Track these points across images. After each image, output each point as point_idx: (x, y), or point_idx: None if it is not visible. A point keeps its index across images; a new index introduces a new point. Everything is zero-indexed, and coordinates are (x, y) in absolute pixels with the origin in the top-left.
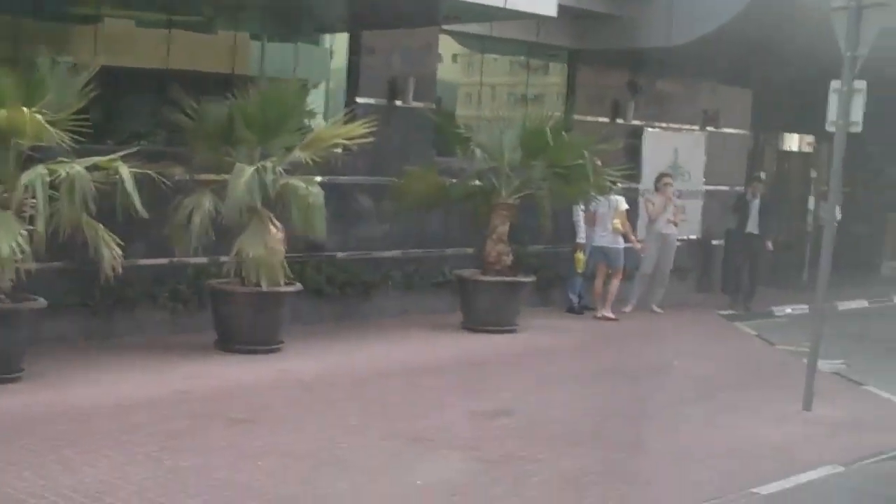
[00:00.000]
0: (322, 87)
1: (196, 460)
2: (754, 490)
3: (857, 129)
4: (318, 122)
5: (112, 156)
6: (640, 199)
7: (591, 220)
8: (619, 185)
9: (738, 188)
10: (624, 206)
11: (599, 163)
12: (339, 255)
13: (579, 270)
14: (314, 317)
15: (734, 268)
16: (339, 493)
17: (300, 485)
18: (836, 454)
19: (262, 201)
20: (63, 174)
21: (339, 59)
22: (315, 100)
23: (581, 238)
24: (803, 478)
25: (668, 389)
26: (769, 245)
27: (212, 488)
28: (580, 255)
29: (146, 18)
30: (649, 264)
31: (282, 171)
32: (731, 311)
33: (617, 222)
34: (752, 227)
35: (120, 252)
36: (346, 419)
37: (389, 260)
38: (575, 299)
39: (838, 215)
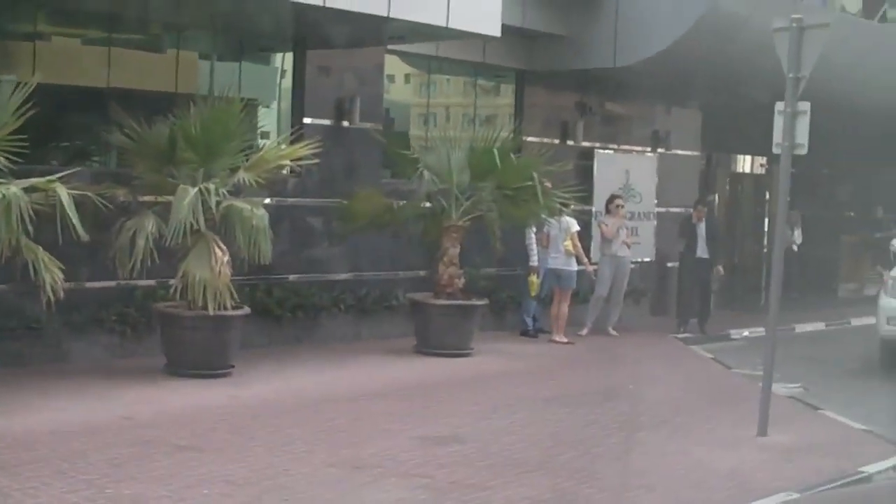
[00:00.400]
0: (273, 106)
1: (138, 488)
2: None
3: (803, 151)
4: (266, 144)
5: (51, 177)
6: (594, 221)
7: (545, 243)
8: (572, 206)
9: (690, 209)
10: (575, 227)
11: (549, 185)
12: (291, 277)
13: (533, 294)
14: (265, 340)
15: (684, 291)
16: None
17: None
18: (791, 480)
19: (207, 223)
20: None
21: (291, 79)
22: (266, 120)
23: (534, 261)
24: None
25: (622, 414)
26: (719, 270)
27: None
28: (534, 279)
29: (89, 36)
30: (604, 287)
31: (225, 192)
32: (685, 335)
33: (568, 244)
34: (702, 251)
35: (62, 275)
36: (293, 445)
37: (341, 283)
38: (530, 322)
39: (799, 238)
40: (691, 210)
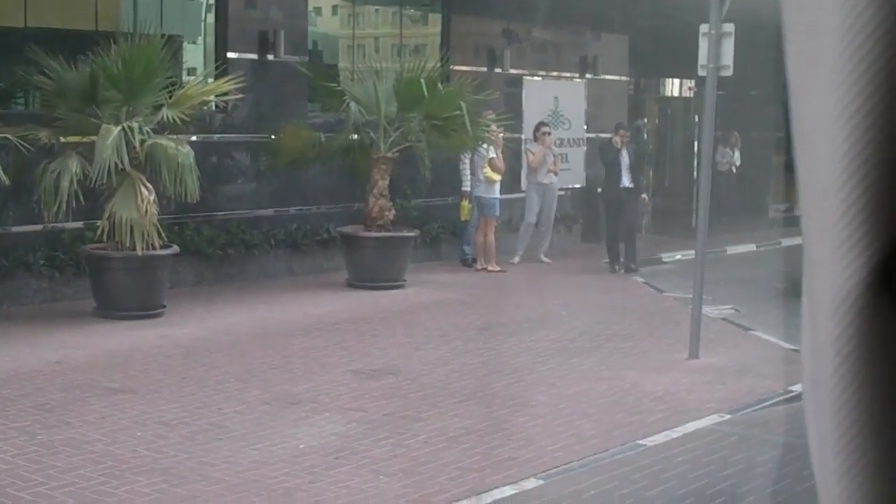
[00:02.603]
0: (199, 42)
1: (71, 433)
2: (641, 441)
3: (728, 72)
4: (189, 81)
5: None
6: (523, 149)
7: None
8: (502, 135)
9: (607, 135)
10: (491, 153)
11: (493, 115)
12: (219, 214)
13: (463, 219)
14: (196, 279)
15: (610, 228)
16: (220, 459)
17: (179, 453)
18: (722, 402)
19: (132, 163)
20: None
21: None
22: (192, 57)
23: (466, 186)
24: (690, 427)
25: (555, 341)
26: (645, 199)
27: (88, 462)
28: (465, 203)
29: None
30: (532, 214)
31: (149, 130)
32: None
33: (486, 170)
34: (626, 180)
35: None
36: (226, 384)
37: (271, 218)
38: (469, 251)
39: (738, 160)
40: (612, 136)
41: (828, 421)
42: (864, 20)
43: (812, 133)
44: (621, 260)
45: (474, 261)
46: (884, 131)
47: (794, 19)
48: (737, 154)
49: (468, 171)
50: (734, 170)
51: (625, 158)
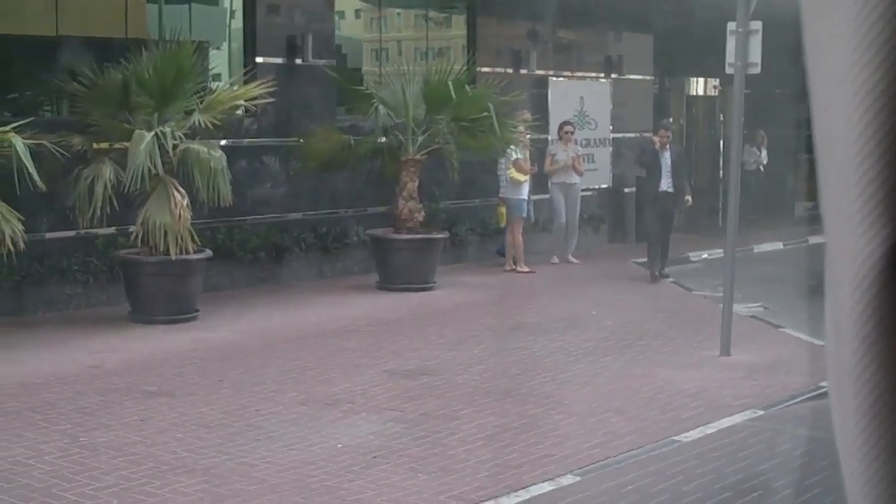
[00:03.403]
0: (224, 48)
1: (112, 436)
2: (675, 438)
3: (756, 70)
4: (220, 86)
5: (4, 128)
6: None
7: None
8: (529, 136)
9: (646, 134)
10: (516, 154)
11: (528, 116)
12: (249, 219)
13: (501, 225)
14: (228, 283)
15: (650, 234)
16: (259, 459)
17: (219, 454)
18: (756, 398)
19: (164, 167)
20: None
21: (241, 20)
22: (217, 62)
23: (502, 192)
24: (724, 423)
25: (587, 340)
26: (688, 201)
27: (130, 463)
28: (502, 209)
29: None
30: (561, 213)
31: (181, 135)
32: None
33: (511, 171)
34: (666, 184)
35: (21, 227)
36: (263, 385)
37: (301, 222)
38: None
39: (765, 158)
40: (648, 134)
41: (849, 401)
42: (879, 1)
43: (829, 113)
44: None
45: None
46: None
47: (810, 1)
48: (764, 153)
49: (506, 175)
50: (762, 168)
51: (666, 160)
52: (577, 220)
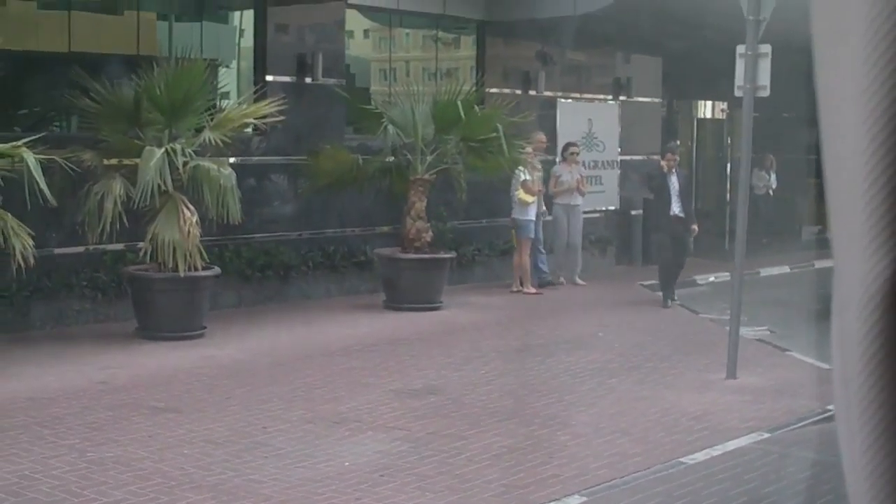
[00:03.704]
0: (233, 66)
1: (119, 451)
2: (682, 459)
3: (765, 93)
4: (230, 104)
5: (16, 143)
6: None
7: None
8: (538, 157)
9: (654, 157)
10: (524, 176)
11: (543, 140)
12: (258, 236)
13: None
14: (235, 301)
15: (663, 260)
16: (267, 476)
17: (226, 471)
18: (762, 421)
19: (174, 184)
20: None
21: (250, 38)
22: (226, 80)
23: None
24: (730, 445)
25: (592, 362)
26: (695, 229)
27: (137, 479)
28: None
29: (47, 0)
30: (563, 234)
31: (192, 153)
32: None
33: (519, 192)
34: (676, 208)
35: (32, 242)
36: (270, 403)
37: (309, 240)
38: (545, 270)
39: (774, 183)
40: (656, 157)
41: (855, 420)
42: (890, 25)
43: (839, 137)
44: (672, 292)
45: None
46: None
47: (821, 25)
48: (773, 177)
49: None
50: (771, 193)
51: (674, 184)
52: (580, 241)
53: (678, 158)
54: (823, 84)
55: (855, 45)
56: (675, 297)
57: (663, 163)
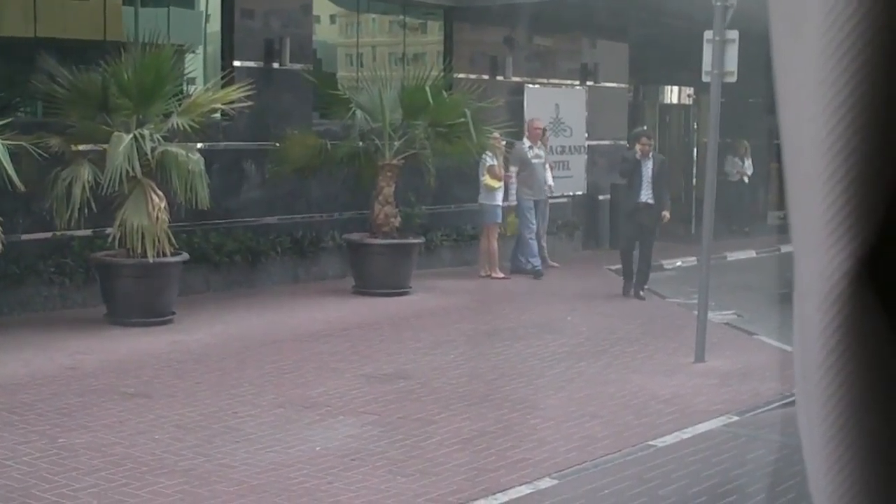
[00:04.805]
0: (200, 51)
1: (90, 437)
2: (651, 442)
3: (732, 78)
4: (197, 89)
5: None
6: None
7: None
8: (504, 142)
9: (620, 142)
10: (490, 161)
11: (540, 124)
12: (225, 222)
13: (509, 233)
14: (204, 286)
15: (624, 249)
16: (238, 461)
17: (197, 456)
18: (730, 403)
19: (143, 170)
20: None
21: (216, 23)
22: (193, 65)
23: (510, 199)
24: (700, 428)
25: (562, 346)
26: (666, 216)
27: (108, 464)
28: (512, 218)
29: None
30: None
31: (160, 138)
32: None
33: (485, 178)
34: (646, 195)
35: (0, 228)
36: (240, 388)
37: (277, 226)
38: (535, 262)
39: (749, 169)
40: (629, 143)
41: (816, 412)
42: (845, 18)
43: (796, 128)
44: (633, 282)
45: (534, 271)
46: (866, 126)
47: (779, 18)
48: (748, 163)
49: (515, 182)
50: (746, 180)
51: (647, 170)
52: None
53: (652, 143)
54: (781, 75)
55: (811, 37)
56: (643, 295)
57: (638, 147)
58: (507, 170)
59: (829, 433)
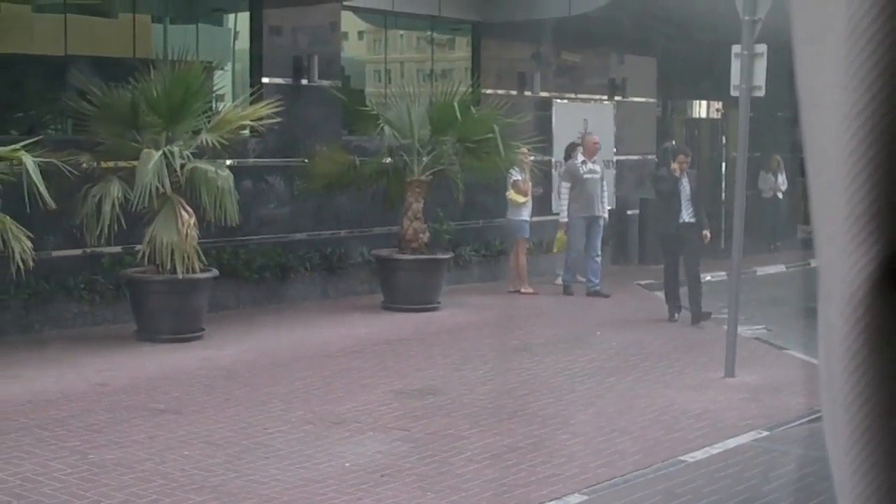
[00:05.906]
0: (228, 68)
1: (120, 453)
2: (682, 458)
3: (760, 93)
4: (226, 106)
5: (15, 146)
6: (554, 172)
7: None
8: (532, 157)
9: (649, 157)
10: (515, 176)
11: (596, 139)
12: (255, 238)
13: (555, 250)
14: (234, 302)
15: (669, 271)
16: (268, 477)
17: (227, 472)
18: (761, 418)
19: (172, 186)
20: None
21: (245, 40)
22: (222, 82)
23: (563, 217)
24: (730, 443)
25: (591, 361)
26: (707, 235)
27: (138, 480)
28: (560, 235)
29: (42, 3)
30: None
31: (189, 155)
32: (647, 281)
33: (510, 193)
34: (687, 214)
35: (30, 245)
36: (270, 404)
37: (306, 242)
38: (595, 281)
39: (784, 184)
40: (658, 157)
41: (840, 416)
42: (868, 23)
43: (820, 134)
44: (679, 305)
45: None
46: (888, 131)
47: (802, 24)
48: (781, 178)
49: (566, 199)
50: (780, 195)
51: (685, 188)
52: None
53: (690, 160)
54: (804, 82)
55: (834, 43)
56: (702, 314)
57: (675, 165)
58: (533, 185)
59: (854, 437)
